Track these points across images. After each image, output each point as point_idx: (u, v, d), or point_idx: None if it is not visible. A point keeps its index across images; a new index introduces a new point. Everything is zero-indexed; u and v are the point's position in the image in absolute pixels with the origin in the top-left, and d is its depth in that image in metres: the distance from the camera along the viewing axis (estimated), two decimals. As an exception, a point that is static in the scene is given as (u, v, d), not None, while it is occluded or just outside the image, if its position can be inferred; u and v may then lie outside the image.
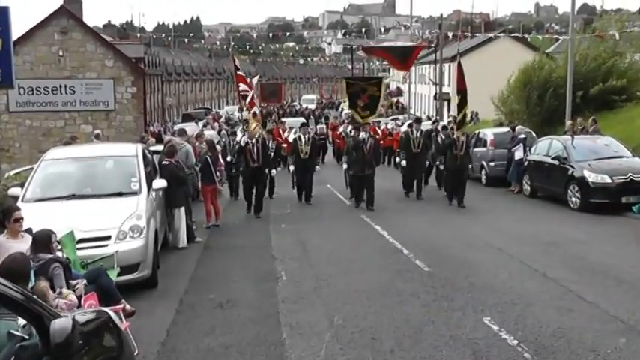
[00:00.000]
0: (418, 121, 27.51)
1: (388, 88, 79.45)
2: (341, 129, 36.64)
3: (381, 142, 30.69)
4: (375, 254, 15.46)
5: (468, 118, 30.73)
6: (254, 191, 21.22)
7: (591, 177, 20.24)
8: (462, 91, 23.01)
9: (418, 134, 24.46)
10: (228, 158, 24.08)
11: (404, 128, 28.01)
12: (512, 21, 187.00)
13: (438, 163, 24.25)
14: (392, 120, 44.70)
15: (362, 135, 22.34)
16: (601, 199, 19.99)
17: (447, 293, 12.03)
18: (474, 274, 13.28)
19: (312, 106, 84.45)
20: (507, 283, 12.56)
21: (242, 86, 25.53)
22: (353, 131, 23.77)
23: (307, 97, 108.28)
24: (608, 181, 20.07)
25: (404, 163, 24.15)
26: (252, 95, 25.30)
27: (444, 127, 25.59)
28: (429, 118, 56.71)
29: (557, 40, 59.20)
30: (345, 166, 23.89)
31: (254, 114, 23.91)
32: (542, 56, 39.76)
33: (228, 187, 24.97)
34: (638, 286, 12.27)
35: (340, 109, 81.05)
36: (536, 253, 14.99)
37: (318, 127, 42.42)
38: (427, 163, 25.36)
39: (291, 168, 24.31)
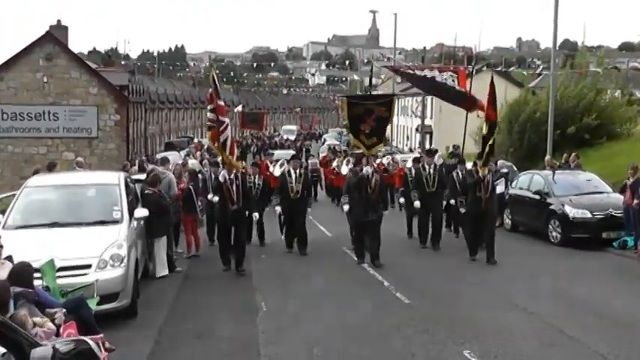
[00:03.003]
0: (431, 153, 22.43)
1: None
2: (334, 163, 33.77)
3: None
4: (356, 287, 15.45)
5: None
6: (232, 240, 17.50)
7: (572, 212, 20.34)
8: (491, 120, 18.70)
9: (432, 170, 20.61)
10: (210, 196, 19.36)
11: (409, 164, 23.17)
12: (495, 55, 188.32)
13: (453, 202, 20.72)
14: (388, 154, 40.65)
15: (365, 170, 18.16)
16: (582, 234, 20.08)
17: (427, 326, 12.03)
18: (454, 307, 13.31)
19: (293, 137, 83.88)
20: (488, 317, 12.57)
21: (211, 115, 20.03)
22: (346, 165, 21.13)
23: (288, 127, 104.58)
24: (589, 216, 20.18)
25: (417, 204, 20.40)
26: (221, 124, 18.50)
27: (461, 162, 21.74)
28: (410, 150, 56.86)
29: (540, 75, 59.69)
30: (346, 207, 18.94)
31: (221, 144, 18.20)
32: (528, 92, 40.09)
33: (207, 230, 20.99)
34: (619, 321, 12.32)
35: (322, 140, 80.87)
36: (517, 287, 15.04)
37: (310, 161, 38.06)
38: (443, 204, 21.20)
39: (278, 209, 20.24)
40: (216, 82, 18.88)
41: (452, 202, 20.72)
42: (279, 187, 20.20)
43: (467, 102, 22.95)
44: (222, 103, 18.75)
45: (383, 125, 19.49)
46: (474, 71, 25.00)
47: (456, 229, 22.04)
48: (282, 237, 20.41)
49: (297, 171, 19.95)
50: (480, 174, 18.33)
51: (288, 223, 20.08)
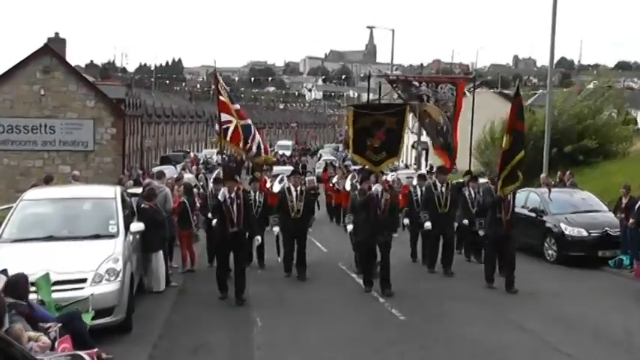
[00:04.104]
0: (443, 170, 20.31)
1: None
2: (334, 179, 31.62)
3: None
4: (350, 302, 15.42)
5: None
6: (232, 265, 15.84)
7: (568, 230, 20.35)
8: (517, 131, 16.75)
9: (443, 188, 18.99)
10: (210, 215, 18.03)
11: (415, 181, 22.00)
12: (491, 72, 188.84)
13: (466, 222, 19.62)
14: (392, 170, 36.65)
15: (375, 188, 16.36)
16: (577, 252, 20.08)
17: (422, 342, 12.05)
18: (449, 324, 13.32)
19: (288, 153, 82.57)
20: (484, 334, 12.58)
21: (224, 116, 18.04)
22: (350, 180, 19.23)
23: (282, 142, 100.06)
24: (585, 234, 20.18)
25: (428, 225, 18.87)
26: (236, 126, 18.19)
27: (474, 178, 20.74)
28: (406, 167, 56.83)
29: (535, 93, 59.91)
30: (349, 227, 17.85)
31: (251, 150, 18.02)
32: (524, 110, 40.16)
33: (207, 251, 19.74)
34: (615, 339, 12.37)
35: (318, 155, 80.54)
36: (514, 305, 15.03)
37: (307, 179, 33.33)
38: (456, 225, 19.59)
39: (276, 229, 18.46)
40: (222, 84, 17.86)
41: (465, 221, 19.60)
42: (278, 205, 18.46)
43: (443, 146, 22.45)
44: (237, 106, 17.99)
45: (395, 138, 17.73)
46: (474, 88, 24.16)
47: (468, 252, 20.82)
48: (280, 259, 18.81)
49: (298, 188, 18.26)
50: (500, 193, 16.61)
51: (288, 244, 18.20)
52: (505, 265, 16.79)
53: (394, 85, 23.71)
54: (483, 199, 18.72)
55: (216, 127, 17.69)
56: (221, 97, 17.91)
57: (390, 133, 17.58)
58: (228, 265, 15.76)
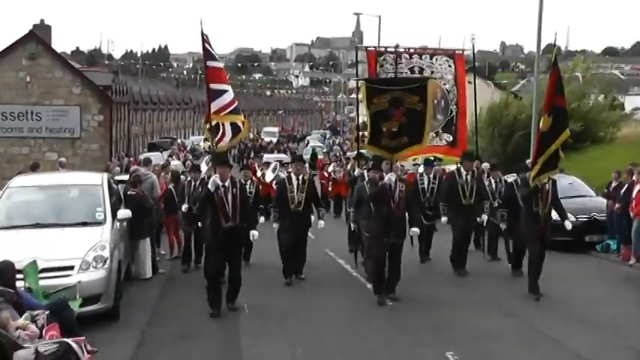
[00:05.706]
0: (469, 156, 17.96)
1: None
2: (330, 168, 29.78)
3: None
4: (338, 289, 15.40)
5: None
6: (226, 265, 13.48)
7: (555, 215, 20.33)
8: (559, 108, 14.13)
9: (469, 177, 16.87)
10: (184, 207, 17.18)
11: (421, 169, 20.19)
12: (479, 59, 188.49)
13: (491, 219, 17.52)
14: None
15: (388, 178, 13.94)
16: (564, 237, 20.08)
17: (410, 328, 12.10)
18: (437, 309, 13.36)
19: (275, 139, 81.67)
20: (471, 319, 12.62)
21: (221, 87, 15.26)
22: (359, 171, 16.92)
23: (268, 129, 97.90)
24: (572, 219, 20.17)
25: (444, 219, 16.97)
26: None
27: (493, 167, 19.25)
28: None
29: (523, 78, 59.90)
30: (354, 224, 16.51)
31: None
32: (509, 96, 40.15)
33: (182, 252, 17.99)
34: (601, 324, 12.41)
35: (306, 142, 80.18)
36: (501, 290, 15.07)
37: None
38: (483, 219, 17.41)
39: (275, 225, 16.10)
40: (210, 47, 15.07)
41: (484, 216, 17.34)
42: (277, 197, 16.35)
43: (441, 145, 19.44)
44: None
45: (417, 120, 14.54)
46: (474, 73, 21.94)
47: (488, 249, 18.69)
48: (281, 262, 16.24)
49: (300, 177, 16.00)
50: (538, 183, 14.22)
51: (288, 241, 15.88)
52: (531, 263, 14.72)
53: (382, 58, 21.29)
54: (510, 190, 16.78)
55: (213, 106, 14.90)
56: (211, 63, 15.20)
57: (412, 114, 14.49)
58: (221, 269, 13.53)
